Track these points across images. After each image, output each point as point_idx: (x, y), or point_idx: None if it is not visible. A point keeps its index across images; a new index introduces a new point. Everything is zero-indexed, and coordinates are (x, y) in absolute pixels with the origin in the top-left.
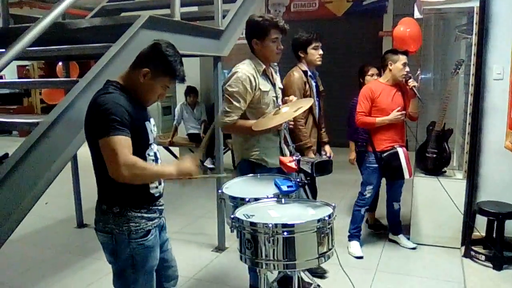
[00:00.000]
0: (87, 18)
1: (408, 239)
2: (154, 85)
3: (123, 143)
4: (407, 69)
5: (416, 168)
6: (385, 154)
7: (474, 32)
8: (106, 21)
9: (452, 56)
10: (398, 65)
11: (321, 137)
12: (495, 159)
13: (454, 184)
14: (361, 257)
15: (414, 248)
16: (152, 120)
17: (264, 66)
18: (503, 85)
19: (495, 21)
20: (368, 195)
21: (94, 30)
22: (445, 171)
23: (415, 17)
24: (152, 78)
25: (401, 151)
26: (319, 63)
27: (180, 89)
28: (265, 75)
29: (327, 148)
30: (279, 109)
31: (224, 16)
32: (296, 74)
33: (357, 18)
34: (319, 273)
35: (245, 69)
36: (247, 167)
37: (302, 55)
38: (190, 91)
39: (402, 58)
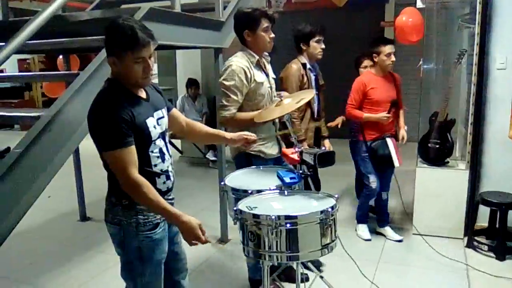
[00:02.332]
0: (87, 11)
1: (395, 231)
2: (128, 66)
3: (124, 157)
4: (393, 58)
5: (418, 158)
6: (374, 144)
7: (477, 22)
8: (107, 13)
9: (454, 45)
10: (381, 57)
11: (320, 132)
12: (498, 149)
13: (457, 174)
14: (369, 240)
15: (400, 241)
16: (160, 112)
17: (257, 57)
18: (507, 75)
19: (498, 10)
20: (373, 185)
21: (94, 23)
22: (448, 162)
23: (417, 6)
24: (121, 62)
25: (389, 141)
26: (320, 57)
27: (181, 81)
28: (259, 66)
29: (326, 142)
30: (281, 100)
31: (225, 8)
32: (294, 66)
33: (358, 8)
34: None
35: (238, 61)
36: (244, 160)
37: (304, 48)
38: (191, 83)
39: (385, 49)
